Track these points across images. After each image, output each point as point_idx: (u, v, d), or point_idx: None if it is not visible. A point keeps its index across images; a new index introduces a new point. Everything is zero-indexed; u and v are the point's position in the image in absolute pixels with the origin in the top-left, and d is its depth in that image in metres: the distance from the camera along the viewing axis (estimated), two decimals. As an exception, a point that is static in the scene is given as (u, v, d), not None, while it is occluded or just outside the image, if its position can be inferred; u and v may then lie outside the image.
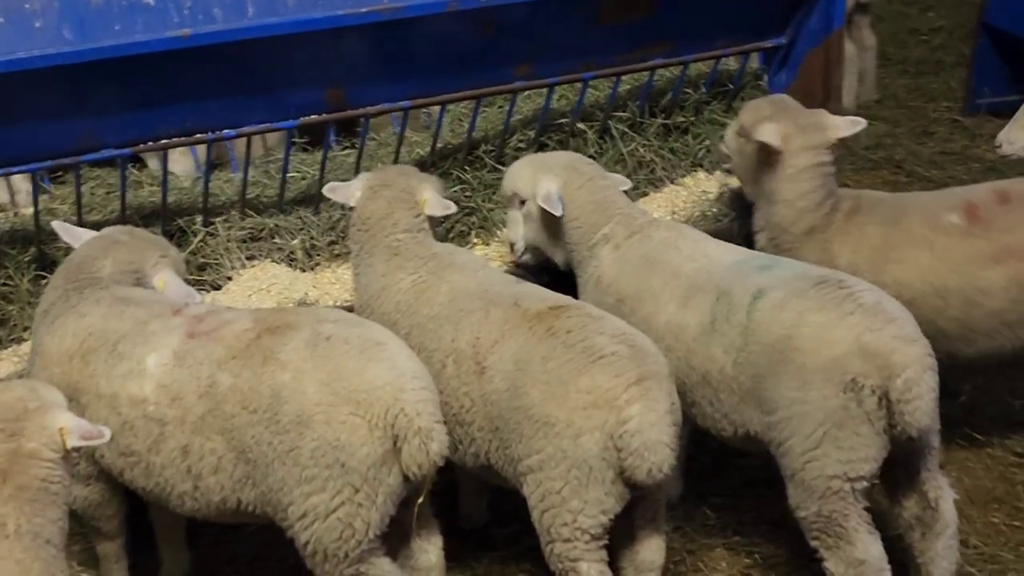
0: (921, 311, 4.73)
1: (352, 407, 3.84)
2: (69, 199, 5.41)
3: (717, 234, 5.31)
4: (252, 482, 3.99)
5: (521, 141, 5.79)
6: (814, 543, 4.26)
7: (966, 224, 4.99)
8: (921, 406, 4.04)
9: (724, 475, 5.15)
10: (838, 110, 5.75)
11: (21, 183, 5.76)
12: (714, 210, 5.72)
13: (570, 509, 4.00)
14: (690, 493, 5.17)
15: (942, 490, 4.35)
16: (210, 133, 5.12)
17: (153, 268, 4.63)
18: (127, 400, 4.10)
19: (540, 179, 4.97)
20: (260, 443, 3.92)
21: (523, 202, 5.08)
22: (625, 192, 5.11)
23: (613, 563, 4.22)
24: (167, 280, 4.63)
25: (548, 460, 4.02)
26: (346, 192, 4.90)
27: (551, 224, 5.00)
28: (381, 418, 3.84)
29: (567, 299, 4.42)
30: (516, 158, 5.55)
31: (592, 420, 3.95)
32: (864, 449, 4.10)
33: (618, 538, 4.21)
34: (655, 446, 3.91)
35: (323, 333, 3.98)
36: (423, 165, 5.58)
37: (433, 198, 4.88)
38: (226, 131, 5.13)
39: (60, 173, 5.72)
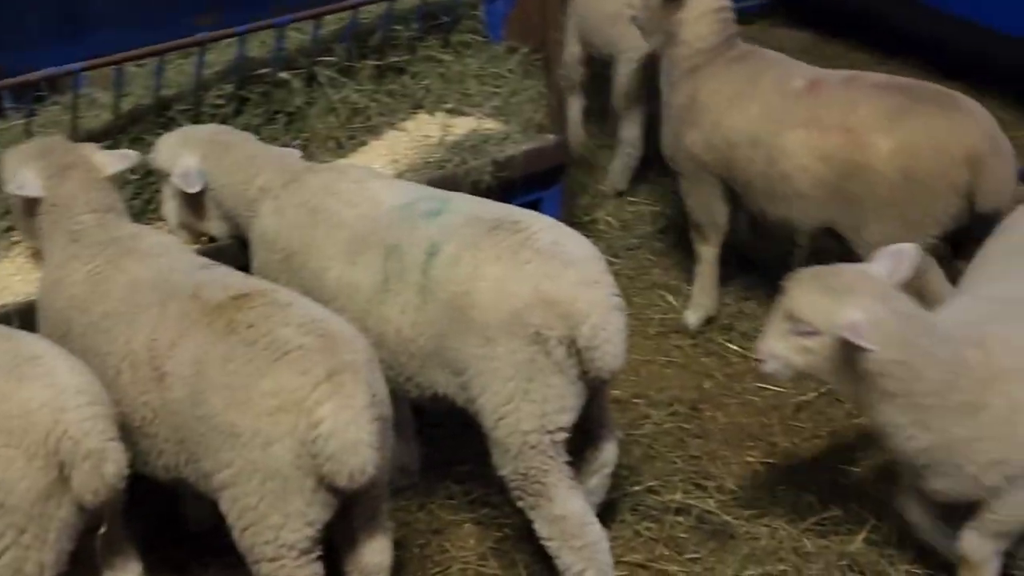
0: (738, 161, 5.29)
1: (3, 437, 3.31)
2: None
3: (443, 181, 4.97)
4: None
5: (219, 97, 5.22)
6: (518, 503, 4.07)
7: (803, 91, 5.18)
8: (610, 350, 3.88)
9: (470, 438, 4.77)
10: (558, 39, 5.46)
11: None
12: (438, 155, 5.29)
13: (271, 525, 3.57)
14: (432, 464, 4.81)
15: (607, 430, 4.28)
16: None
17: None
18: None
19: (179, 154, 4.60)
20: None
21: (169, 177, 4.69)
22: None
23: (340, 568, 3.83)
24: None
25: (240, 474, 3.57)
26: (20, 183, 4.30)
27: (195, 198, 4.61)
28: (40, 445, 3.33)
29: (256, 285, 3.93)
30: (215, 116, 5.12)
31: (280, 426, 3.50)
32: (558, 400, 3.92)
33: (340, 541, 3.80)
34: (354, 448, 3.49)
35: None
36: (109, 131, 5.00)
37: (104, 157, 4.42)
38: None
39: None
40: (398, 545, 3.99)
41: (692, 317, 5.73)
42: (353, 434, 3.49)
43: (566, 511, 4.00)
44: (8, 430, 3.31)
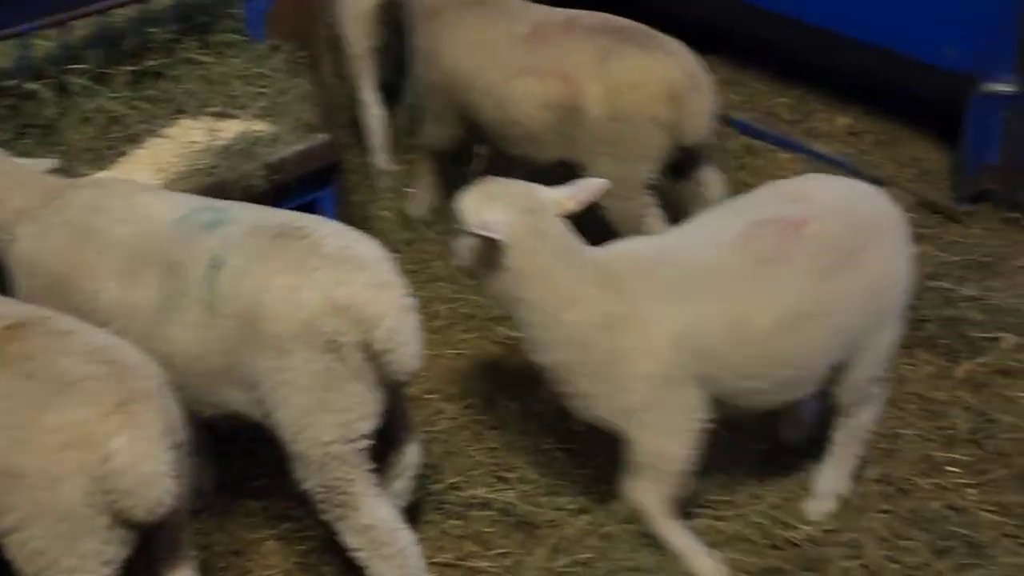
0: (473, 105, 5.57)
1: None
2: None
3: (214, 188, 4.78)
4: None
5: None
6: (323, 516, 3.99)
7: (526, 37, 5.41)
8: (407, 352, 3.86)
9: (263, 452, 4.60)
10: (322, 34, 5.36)
11: None
12: (206, 161, 5.08)
13: (65, 569, 3.36)
14: (226, 481, 4.63)
15: (408, 432, 4.26)
16: None
17: None
18: None
19: None
20: None
21: None
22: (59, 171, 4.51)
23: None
24: None
25: (27, 517, 3.33)
26: None
27: None
28: None
29: (32, 312, 3.67)
30: None
31: (68, 464, 3.28)
32: (358, 408, 3.86)
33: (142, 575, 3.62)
34: (150, 480, 3.31)
35: None
36: None
37: None
38: None
39: None
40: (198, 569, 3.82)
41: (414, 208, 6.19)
42: (149, 466, 3.31)
43: (374, 520, 3.92)
44: None
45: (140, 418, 3.33)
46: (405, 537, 3.98)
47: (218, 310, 3.86)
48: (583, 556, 4.39)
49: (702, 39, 6.27)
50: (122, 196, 4.17)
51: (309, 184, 5.32)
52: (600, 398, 4.18)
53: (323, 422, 3.83)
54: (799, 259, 4.13)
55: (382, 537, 3.93)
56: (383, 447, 4.14)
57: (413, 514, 4.47)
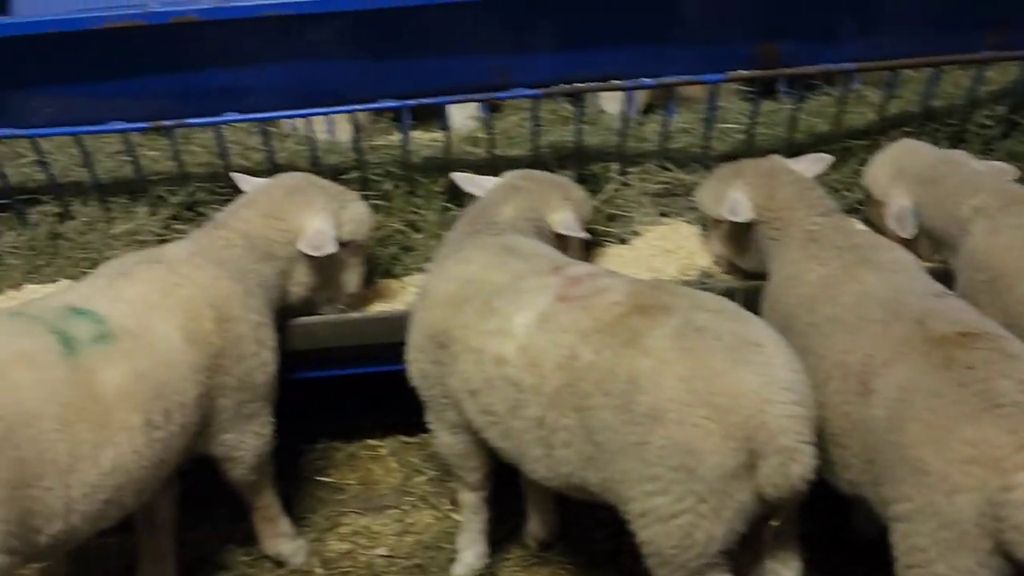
0: None
1: (708, 410, 3.46)
2: (498, 130, 5.28)
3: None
4: (598, 465, 3.71)
5: (988, 117, 5.22)
6: None
7: None
8: None
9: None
10: None
11: (456, 111, 5.48)
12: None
13: (935, 573, 3.44)
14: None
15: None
16: (628, 81, 4.97)
17: (553, 210, 4.63)
18: (491, 358, 3.91)
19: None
20: (609, 428, 3.63)
21: None
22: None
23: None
24: (562, 219, 4.61)
25: (917, 512, 3.45)
26: (734, 207, 4.52)
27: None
28: (739, 428, 3.45)
29: (989, 327, 3.72)
30: (979, 136, 5.26)
31: (971, 479, 3.30)
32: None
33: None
34: None
35: (695, 323, 3.60)
36: (870, 130, 5.22)
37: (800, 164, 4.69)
38: (644, 80, 4.96)
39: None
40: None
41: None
42: None
43: None
44: (714, 405, 3.45)
45: None
46: None
47: None
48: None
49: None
50: None
51: None
52: None
53: None
54: None
55: None
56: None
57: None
